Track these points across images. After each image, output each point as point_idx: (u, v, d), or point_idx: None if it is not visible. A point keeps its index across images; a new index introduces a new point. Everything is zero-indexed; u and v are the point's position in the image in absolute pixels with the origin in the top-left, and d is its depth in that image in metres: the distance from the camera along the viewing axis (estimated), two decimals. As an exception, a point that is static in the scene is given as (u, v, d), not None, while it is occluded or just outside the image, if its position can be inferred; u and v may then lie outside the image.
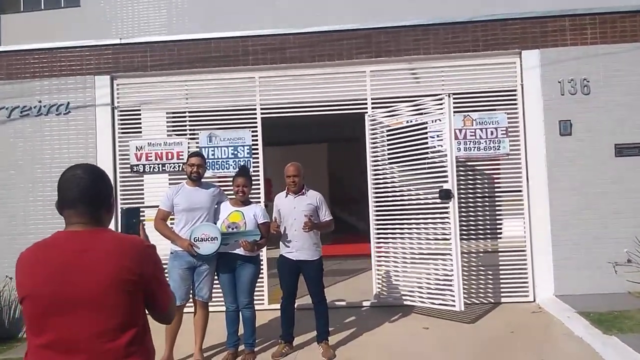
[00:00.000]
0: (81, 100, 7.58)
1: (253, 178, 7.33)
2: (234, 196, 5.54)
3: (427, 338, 5.97)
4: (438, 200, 6.50)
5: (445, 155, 6.38)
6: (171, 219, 5.59)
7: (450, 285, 6.35)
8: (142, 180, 7.74)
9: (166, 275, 5.49)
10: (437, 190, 6.43)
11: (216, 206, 5.50)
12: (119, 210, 7.47)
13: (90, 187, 2.08)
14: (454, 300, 6.26)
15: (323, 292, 5.66)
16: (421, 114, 6.86)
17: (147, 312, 2.15)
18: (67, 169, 2.13)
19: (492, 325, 6.27)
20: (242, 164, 7.16)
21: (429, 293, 6.67)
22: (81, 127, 7.55)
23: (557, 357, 5.29)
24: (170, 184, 7.17)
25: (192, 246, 5.16)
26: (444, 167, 6.37)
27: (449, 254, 6.42)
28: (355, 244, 11.60)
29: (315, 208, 5.58)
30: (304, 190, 5.63)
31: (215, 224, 5.35)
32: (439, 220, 6.66)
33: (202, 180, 5.56)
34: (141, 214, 3.00)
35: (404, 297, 6.95)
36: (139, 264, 2.03)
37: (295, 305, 5.77)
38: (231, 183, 5.61)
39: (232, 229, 5.34)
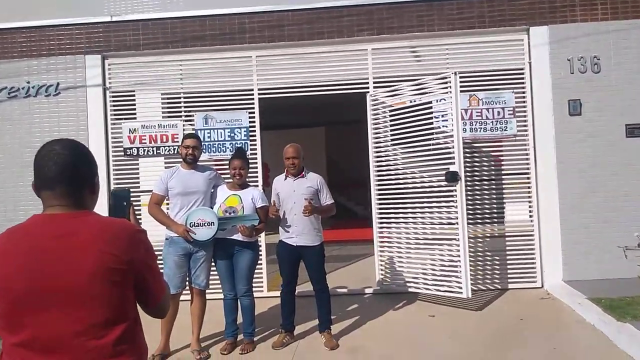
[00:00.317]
0: (71, 81, 7.28)
1: (250, 161, 7.09)
2: (230, 180, 5.30)
3: (433, 326, 5.75)
4: (443, 183, 6.27)
5: (452, 136, 6.12)
6: (166, 204, 5.33)
7: (457, 271, 6.12)
8: (137, 164, 7.46)
9: (160, 262, 5.27)
10: (443, 172, 6.19)
11: (212, 190, 5.25)
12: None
13: (70, 164, 1.81)
14: (460, 287, 6.03)
15: (325, 280, 5.43)
16: (425, 93, 6.59)
17: (138, 305, 1.90)
18: (44, 145, 1.86)
19: (500, 313, 6.06)
20: (238, 146, 6.90)
21: (434, 280, 6.44)
22: (72, 108, 7.25)
23: (570, 346, 5.07)
24: (166, 167, 6.90)
25: (187, 232, 4.92)
26: (451, 148, 6.12)
27: (455, 238, 6.19)
28: (355, 229, 11.40)
29: (315, 191, 5.34)
30: (303, 173, 5.38)
31: (212, 208, 5.11)
32: (444, 204, 6.43)
33: (198, 163, 5.31)
34: (132, 197, 2.72)
35: (408, 284, 6.72)
36: (128, 250, 1.77)
37: (296, 293, 5.53)
38: (227, 166, 5.36)
39: (230, 213, 5.09)
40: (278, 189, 5.39)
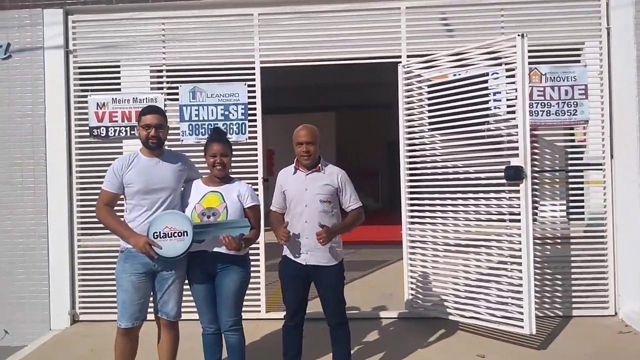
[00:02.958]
0: (28, 41, 5.79)
1: (250, 146, 5.67)
2: (210, 172, 3.86)
3: (485, 373, 4.30)
4: (494, 181, 4.81)
5: (512, 119, 4.66)
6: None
7: (517, 298, 4.63)
8: (119, 148, 5.94)
9: (114, 284, 3.81)
10: (500, 166, 4.70)
11: (184, 185, 3.80)
12: (75, 196, 5.78)
13: None
14: (521, 319, 4.55)
15: (344, 312, 3.99)
16: (475, 64, 5.07)
17: None
18: None
19: (571, 354, 4.56)
20: (217, 126, 5.43)
21: (484, 304, 4.93)
22: (26, 75, 5.76)
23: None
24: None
25: (150, 245, 3.47)
26: (512, 136, 4.65)
27: (514, 255, 4.72)
28: (371, 227, 9.89)
29: (335, 191, 3.87)
30: (320, 165, 3.91)
31: (184, 211, 3.66)
32: (494, 206, 4.96)
33: (165, 147, 3.88)
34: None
35: (447, 308, 5.21)
36: None
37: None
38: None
39: (208, 217, 3.63)
40: (284, 186, 3.93)
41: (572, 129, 5.73)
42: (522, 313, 4.54)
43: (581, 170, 5.64)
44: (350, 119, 15.85)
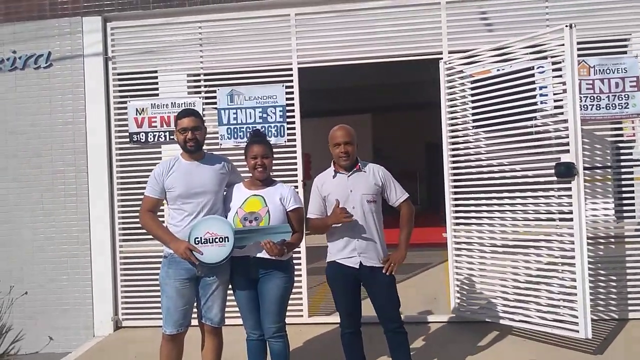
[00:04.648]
0: (68, 49, 5.85)
1: (289, 149, 5.59)
2: (249, 175, 3.79)
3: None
4: (543, 179, 4.64)
5: (560, 114, 4.49)
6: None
7: (571, 300, 4.42)
8: (158, 153, 5.92)
9: (158, 290, 3.78)
10: (548, 163, 4.52)
11: (226, 189, 3.73)
12: (116, 202, 5.80)
13: None
14: (576, 323, 4.34)
15: (400, 315, 3.83)
16: (518, 59, 4.89)
17: None
18: None
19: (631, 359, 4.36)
20: (257, 128, 5.32)
21: (534, 307, 4.73)
22: (67, 83, 5.82)
23: None
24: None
25: (192, 251, 3.41)
26: (562, 131, 4.46)
27: (566, 255, 4.52)
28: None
29: (379, 189, 3.77)
30: (359, 165, 3.79)
31: (226, 216, 3.59)
32: (543, 204, 4.77)
33: (205, 150, 3.82)
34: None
35: (496, 312, 5.02)
36: None
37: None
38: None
39: (250, 222, 3.55)
40: (325, 191, 3.78)
41: (620, 123, 5.49)
42: (576, 316, 4.33)
43: (631, 167, 5.41)
44: (387, 120, 15.66)
